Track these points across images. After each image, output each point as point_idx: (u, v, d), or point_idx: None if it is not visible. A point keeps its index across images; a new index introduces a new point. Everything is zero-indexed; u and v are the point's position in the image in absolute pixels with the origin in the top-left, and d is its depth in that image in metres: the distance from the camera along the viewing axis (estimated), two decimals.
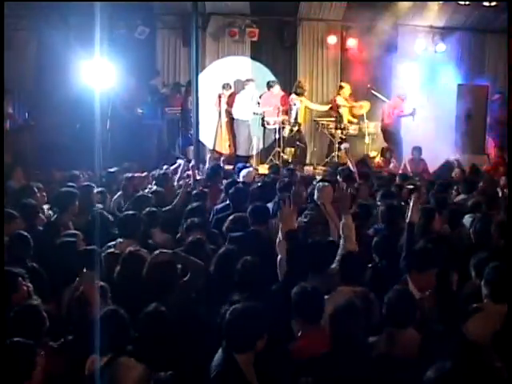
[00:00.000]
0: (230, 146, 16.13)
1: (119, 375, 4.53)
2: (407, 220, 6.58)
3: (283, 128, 15.75)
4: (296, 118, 15.98)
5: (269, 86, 16.26)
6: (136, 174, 11.05)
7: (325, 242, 6.58)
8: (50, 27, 13.45)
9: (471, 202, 9.14)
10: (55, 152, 12.77)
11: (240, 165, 12.87)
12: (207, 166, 12.45)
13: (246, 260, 5.88)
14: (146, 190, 9.93)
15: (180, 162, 12.09)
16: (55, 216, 8.16)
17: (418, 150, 14.44)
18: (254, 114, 16.18)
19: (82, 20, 12.86)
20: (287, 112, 15.92)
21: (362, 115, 16.45)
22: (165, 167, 11.98)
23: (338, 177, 11.02)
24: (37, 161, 12.70)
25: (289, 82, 16.94)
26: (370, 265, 6.64)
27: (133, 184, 9.98)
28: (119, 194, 9.65)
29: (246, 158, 15.50)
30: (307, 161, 16.59)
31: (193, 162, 12.04)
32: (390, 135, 16.37)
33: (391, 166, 14.21)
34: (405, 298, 5.10)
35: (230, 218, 7.67)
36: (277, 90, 16.19)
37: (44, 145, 13.06)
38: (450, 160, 13.89)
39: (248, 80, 16.26)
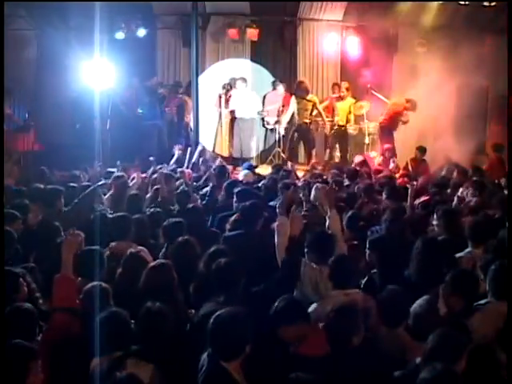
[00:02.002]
0: (229, 146, 16.16)
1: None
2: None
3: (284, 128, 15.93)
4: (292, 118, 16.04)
5: (274, 85, 16.45)
6: (134, 174, 11.03)
7: (326, 233, 6.53)
8: (50, 27, 13.46)
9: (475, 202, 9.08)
10: (55, 152, 12.81)
11: (246, 164, 12.92)
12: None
13: (219, 261, 5.71)
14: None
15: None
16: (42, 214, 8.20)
17: (421, 150, 14.40)
18: (258, 113, 16.29)
19: (82, 20, 12.87)
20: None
21: (362, 115, 16.48)
22: (159, 167, 11.90)
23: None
24: (37, 161, 12.73)
25: (289, 83, 16.91)
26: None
27: (121, 183, 9.90)
28: (109, 193, 9.62)
29: (248, 159, 15.40)
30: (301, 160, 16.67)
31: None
32: (386, 134, 16.35)
33: (391, 166, 14.23)
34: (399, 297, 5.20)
35: (232, 218, 7.64)
36: (281, 90, 16.30)
37: (44, 145, 13.08)
38: (450, 160, 13.85)
39: (239, 78, 16.26)
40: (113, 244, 6.99)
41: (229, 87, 16.22)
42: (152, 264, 5.94)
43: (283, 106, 16.03)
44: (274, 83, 16.52)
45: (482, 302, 5.45)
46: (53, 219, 7.72)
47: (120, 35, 15.49)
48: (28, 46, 14.09)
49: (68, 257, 5.34)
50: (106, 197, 9.47)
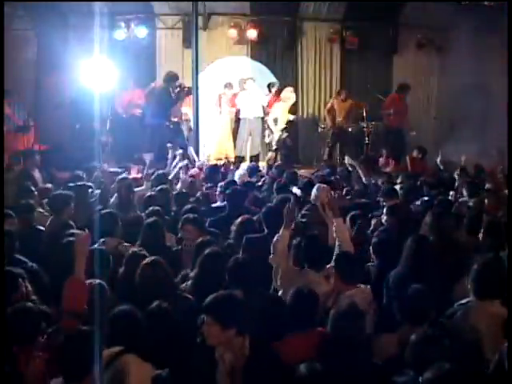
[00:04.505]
0: (230, 146, 16.17)
1: (125, 372, 4.53)
2: None
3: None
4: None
5: (269, 88, 16.55)
6: (132, 176, 11.29)
7: (320, 240, 6.62)
8: (49, 27, 13.46)
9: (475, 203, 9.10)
10: (55, 152, 12.85)
11: (250, 165, 13.12)
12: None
13: (237, 258, 5.96)
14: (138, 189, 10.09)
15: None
16: (51, 218, 8.23)
17: (420, 149, 14.34)
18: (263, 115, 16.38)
19: (82, 19, 12.88)
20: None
21: (362, 115, 16.49)
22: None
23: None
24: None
25: (290, 83, 17.02)
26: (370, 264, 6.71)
27: (126, 185, 9.86)
28: (115, 195, 9.62)
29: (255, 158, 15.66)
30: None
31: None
32: (388, 134, 16.35)
33: (391, 165, 14.19)
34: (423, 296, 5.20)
35: (239, 220, 7.62)
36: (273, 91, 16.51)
37: (44, 145, 13.10)
38: (451, 160, 13.77)
39: (248, 78, 16.37)
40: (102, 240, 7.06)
41: (231, 87, 16.21)
42: (145, 261, 5.95)
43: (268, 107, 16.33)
44: (269, 86, 16.64)
45: (464, 301, 5.47)
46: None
47: (120, 35, 15.51)
48: (28, 46, 14.07)
49: (81, 259, 5.29)
50: (113, 199, 9.53)
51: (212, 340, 4.53)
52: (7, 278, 5.41)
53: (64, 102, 13.69)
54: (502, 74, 14.29)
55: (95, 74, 13.18)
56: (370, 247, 6.78)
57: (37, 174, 10.89)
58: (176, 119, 15.29)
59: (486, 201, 9.26)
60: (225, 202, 9.14)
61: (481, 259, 5.65)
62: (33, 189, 9.25)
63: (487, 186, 10.67)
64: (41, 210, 8.64)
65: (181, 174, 11.24)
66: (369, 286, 5.96)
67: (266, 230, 7.39)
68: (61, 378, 4.36)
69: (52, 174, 11.34)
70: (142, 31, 15.98)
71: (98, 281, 5.42)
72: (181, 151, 12.29)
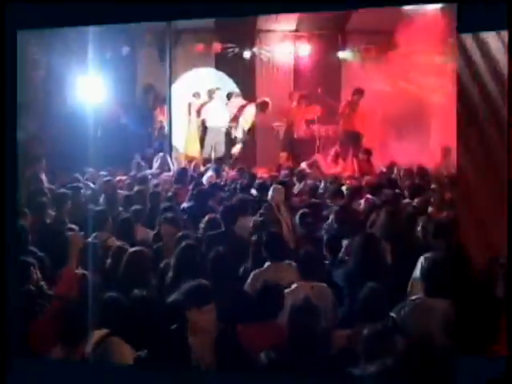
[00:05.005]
0: (198, 150, 16.83)
1: (110, 352, 5.00)
2: None
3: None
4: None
5: (228, 97, 17.36)
6: (118, 178, 12.18)
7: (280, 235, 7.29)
8: (55, 54, 14.21)
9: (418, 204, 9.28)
10: (59, 157, 13.66)
11: (214, 167, 13.70)
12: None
13: (218, 250, 6.43)
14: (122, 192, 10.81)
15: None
16: (54, 214, 9.03)
17: (366, 151, 14.91)
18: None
19: (80, 44, 13.42)
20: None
21: (314, 119, 17.05)
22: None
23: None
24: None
25: (248, 90, 17.98)
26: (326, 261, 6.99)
27: (111, 186, 10.80)
28: (103, 196, 10.24)
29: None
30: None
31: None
32: (344, 137, 16.55)
33: (338, 167, 15.04)
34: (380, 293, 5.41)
35: (206, 218, 8.13)
36: (236, 99, 17.38)
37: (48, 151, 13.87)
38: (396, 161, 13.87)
39: (216, 88, 17.14)
40: (94, 235, 7.65)
41: (198, 96, 16.89)
42: (132, 249, 6.50)
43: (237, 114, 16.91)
44: (228, 95, 17.35)
45: (413, 297, 5.67)
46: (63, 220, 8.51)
47: (108, 54, 16.26)
48: (38, 69, 14.81)
49: (75, 252, 5.93)
50: (102, 199, 10.15)
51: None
52: (21, 267, 6.03)
53: (67, 114, 14.57)
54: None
55: (89, 89, 14.56)
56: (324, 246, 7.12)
57: (43, 177, 11.81)
58: (154, 127, 16.52)
59: (432, 200, 9.53)
60: (192, 202, 9.76)
61: (430, 257, 5.81)
62: (46, 191, 10.09)
63: (432, 186, 10.83)
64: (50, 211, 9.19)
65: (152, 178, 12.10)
66: (325, 284, 6.16)
67: (223, 228, 7.86)
68: (59, 346, 5.09)
69: (55, 177, 12.23)
70: (125, 49, 16.99)
71: (83, 271, 6.05)
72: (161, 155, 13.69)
